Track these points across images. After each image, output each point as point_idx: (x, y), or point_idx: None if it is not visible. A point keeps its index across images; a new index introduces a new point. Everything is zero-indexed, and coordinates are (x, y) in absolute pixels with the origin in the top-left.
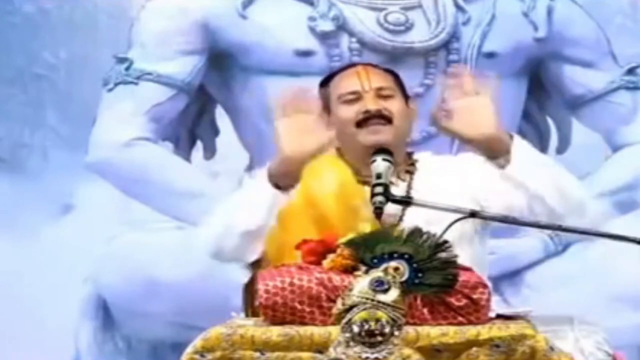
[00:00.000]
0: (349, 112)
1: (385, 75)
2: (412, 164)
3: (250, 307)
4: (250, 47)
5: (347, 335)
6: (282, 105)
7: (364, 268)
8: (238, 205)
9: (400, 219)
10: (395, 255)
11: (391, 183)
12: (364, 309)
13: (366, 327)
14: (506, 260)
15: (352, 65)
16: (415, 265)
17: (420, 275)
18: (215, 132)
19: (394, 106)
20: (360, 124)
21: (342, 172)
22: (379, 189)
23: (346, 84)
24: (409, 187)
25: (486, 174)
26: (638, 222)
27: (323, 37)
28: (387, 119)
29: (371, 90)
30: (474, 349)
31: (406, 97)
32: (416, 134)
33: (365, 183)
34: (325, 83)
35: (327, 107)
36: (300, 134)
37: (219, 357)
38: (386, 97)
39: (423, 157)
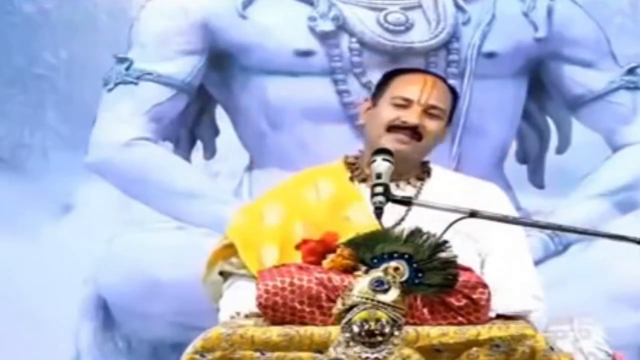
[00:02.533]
0: (390, 114)
1: (446, 96)
2: (426, 172)
3: None
4: (250, 47)
5: (347, 335)
6: None
7: (364, 268)
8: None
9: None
10: (395, 255)
11: (397, 187)
12: (364, 309)
13: (366, 327)
14: None
15: (423, 70)
16: (415, 265)
17: (420, 275)
18: (215, 132)
19: (433, 126)
20: (391, 129)
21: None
22: (379, 189)
23: (406, 88)
24: (418, 193)
25: (494, 224)
26: (638, 222)
27: (323, 37)
28: (418, 136)
29: (423, 105)
30: (474, 349)
31: (450, 120)
32: None
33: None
34: (392, 74)
35: (376, 96)
36: None
37: (219, 357)
38: (432, 116)
39: (438, 170)
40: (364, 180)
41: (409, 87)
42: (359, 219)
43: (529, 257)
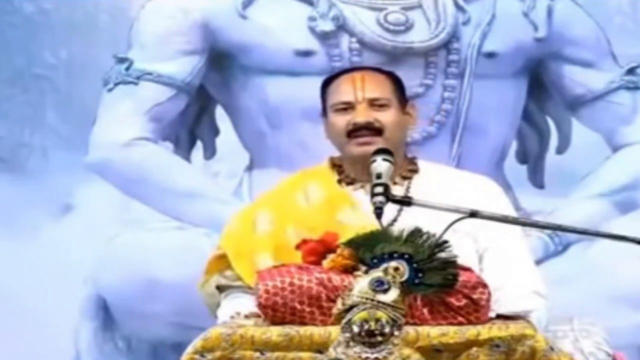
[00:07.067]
0: (341, 121)
1: (383, 83)
2: (413, 170)
3: None
4: (250, 47)
5: (347, 335)
6: None
7: (364, 268)
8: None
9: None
10: (395, 255)
11: (394, 183)
12: (364, 309)
13: (366, 327)
14: None
15: (352, 69)
16: (415, 265)
17: (420, 275)
18: (215, 132)
19: (387, 117)
20: (350, 134)
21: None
22: (379, 189)
23: (340, 92)
24: (407, 191)
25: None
26: (638, 222)
27: (323, 37)
28: (377, 131)
29: (364, 101)
30: (474, 349)
31: (405, 101)
32: (416, 134)
33: (362, 188)
34: (326, 84)
35: (324, 110)
36: None
37: (219, 357)
38: (380, 107)
39: (427, 165)
40: (350, 183)
41: (342, 90)
42: (352, 222)
43: (528, 254)
